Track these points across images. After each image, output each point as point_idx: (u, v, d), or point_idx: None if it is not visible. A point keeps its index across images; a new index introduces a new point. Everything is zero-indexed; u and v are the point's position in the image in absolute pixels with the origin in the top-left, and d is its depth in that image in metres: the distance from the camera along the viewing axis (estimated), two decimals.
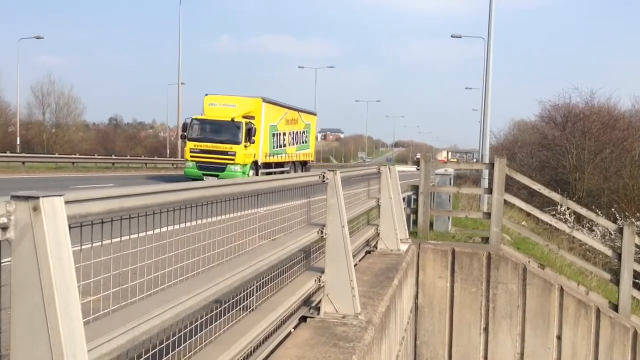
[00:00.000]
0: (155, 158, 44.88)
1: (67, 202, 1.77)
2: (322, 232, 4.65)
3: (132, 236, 2.50)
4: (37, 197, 1.62)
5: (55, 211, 1.67)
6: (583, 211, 10.79)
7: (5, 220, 1.60)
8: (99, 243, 2.24)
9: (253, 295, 3.64)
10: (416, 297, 9.17)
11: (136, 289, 2.49)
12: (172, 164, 42.03)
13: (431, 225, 10.32)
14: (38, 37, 45.12)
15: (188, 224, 2.99)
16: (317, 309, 4.52)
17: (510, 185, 15.03)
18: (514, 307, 9.14)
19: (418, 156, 11.56)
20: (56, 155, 35.70)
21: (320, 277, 4.53)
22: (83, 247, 2.11)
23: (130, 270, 2.48)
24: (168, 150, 54.70)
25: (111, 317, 2.16)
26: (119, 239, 2.34)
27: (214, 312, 3.19)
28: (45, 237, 1.60)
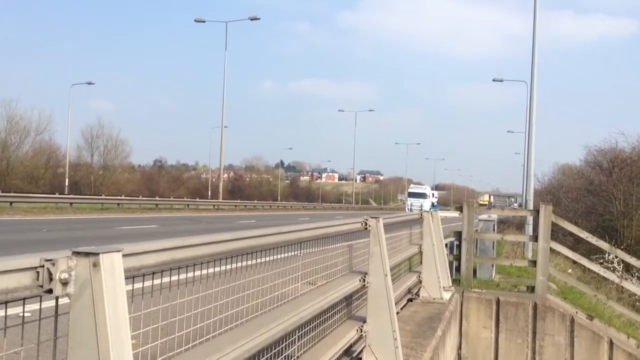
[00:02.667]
0: (197, 200, 45.67)
1: (124, 256, 1.83)
2: (364, 280, 4.62)
3: (180, 285, 2.55)
4: (97, 254, 1.69)
5: (113, 266, 1.73)
6: (632, 260, 10.40)
7: (66, 275, 1.66)
8: (149, 293, 2.30)
9: (294, 345, 3.63)
10: (459, 347, 8.91)
11: (182, 339, 2.53)
12: (214, 205, 42.64)
13: (474, 272, 10.11)
14: (89, 83, 47.21)
15: (233, 273, 3.03)
16: (359, 359, 4.46)
17: (556, 232, 14.61)
18: None
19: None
20: (102, 196, 36.77)
21: (362, 326, 4.48)
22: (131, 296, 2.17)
23: (178, 321, 2.52)
24: (210, 192, 55.62)
25: None
26: (167, 289, 2.40)
27: None
28: (103, 292, 1.65)
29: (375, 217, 4.76)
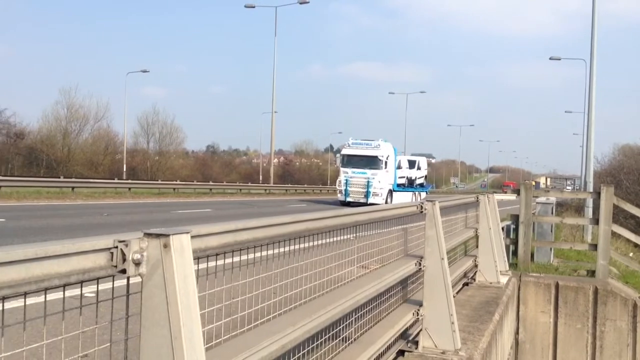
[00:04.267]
0: (249, 184, 46.34)
1: (191, 237, 1.88)
2: (420, 264, 4.59)
3: (241, 267, 2.61)
4: (168, 235, 1.74)
5: (182, 247, 1.78)
6: None
7: (138, 256, 1.72)
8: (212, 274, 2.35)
9: (352, 327, 3.65)
10: (517, 332, 8.76)
11: (244, 319, 2.58)
12: (265, 189, 43.17)
13: (532, 256, 9.87)
14: (144, 71, 48.39)
15: (291, 255, 3.07)
16: (415, 342, 4.45)
17: (617, 215, 14.08)
18: (624, 346, 8.50)
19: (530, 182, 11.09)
20: (159, 181, 37.82)
21: (418, 310, 4.46)
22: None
23: (240, 301, 2.57)
24: (261, 177, 56.35)
25: (224, 349, 2.25)
26: (230, 270, 2.45)
27: (315, 343, 3.23)
28: (174, 272, 1.70)
29: (431, 201, 4.71)
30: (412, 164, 36.77)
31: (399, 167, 32.66)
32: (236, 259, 2.54)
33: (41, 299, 1.56)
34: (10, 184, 23.81)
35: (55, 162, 48.63)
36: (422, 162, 39.69)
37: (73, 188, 26.29)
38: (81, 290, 1.73)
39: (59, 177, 30.01)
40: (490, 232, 7.50)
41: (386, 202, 28.06)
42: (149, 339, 1.68)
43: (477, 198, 7.71)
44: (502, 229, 9.20)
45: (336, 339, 3.43)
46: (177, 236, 1.79)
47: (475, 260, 7.55)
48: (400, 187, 32.68)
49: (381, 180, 29.42)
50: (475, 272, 7.58)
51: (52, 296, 1.59)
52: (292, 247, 3.06)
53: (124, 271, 1.72)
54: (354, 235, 3.95)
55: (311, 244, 3.28)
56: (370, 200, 28.37)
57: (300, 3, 37.85)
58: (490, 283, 7.47)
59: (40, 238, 10.09)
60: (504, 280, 7.67)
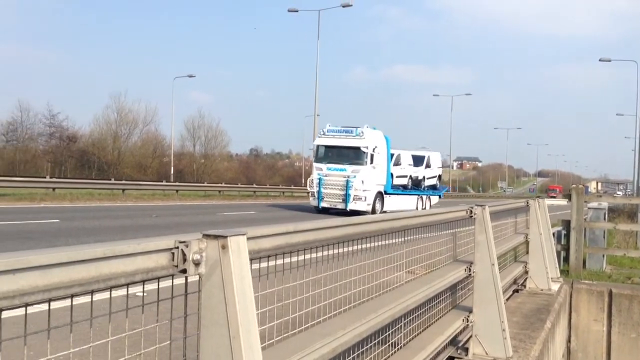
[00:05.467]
0: (292, 187, 46.63)
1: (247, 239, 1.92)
2: (469, 269, 4.53)
3: (292, 270, 2.63)
4: (226, 237, 1.78)
5: (239, 249, 1.81)
6: None
7: (198, 256, 1.76)
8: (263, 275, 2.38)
9: (400, 333, 3.63)
10: (568, 340, 8.51)
11: (296, 320, 2.61)
12: (308, 192, 43.35)
13: (583, 263, 9.58)
14: (190, 76, 49.40)
15: (340, 259, 3.08)
16: (465, 349, 4.38)
17: None
18: None
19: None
20: (205, 184, 38.51)
21: (468, 316, 4.40)
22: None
23: (291, 303, 2.60)
24: (303, 179, 56.63)
25: (277, 350, 2.28)
26: (281, 272, 2.48)
27: (364, 347, 3.22)
28: (232, 273, 1.74)
29: (481, 205, 4.64)
30: (418, 161, 27.68)
31: (397, 164, 25.07)
32: (287, 260, 2.57)
33: (95, 297, 1.62)
34: (64, 185, 24.68)
35: (106, 165, 50.14)
36: (434, 158, 29.97)
37: (123, 190, 27.05)
38: (143, 289, 1.79)
39: (110, 179, 30.95)
40: (540, 237, 7.32)
41: (374, 208, 22.25)
42: (208, 338, 1.71)
43: (527, 203, 7.54)
44: (553, 234, 8.97)
45: (385, 343, 3.41)
46: (234, 238, 1.82)
47: (525, 267, 7.39)
48: (398, 188, 24.98)
49: (365, 180, 21.73)
50: (526, 278, 7.42)
51: (98, 296, 1.60)
52: (341, 250, 3.08)
53: (184, 271, 1.77)
54: (402, 239, 3.94)
55: (360, 247, 3.29)
56: (351, 207, 21.44)
57: (343, 6, 37.90)
58: (541, 290, 7.29)
59: (94, 239, 10.42)
60: (555, 287, 7.47)
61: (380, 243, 3.61)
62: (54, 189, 23.32)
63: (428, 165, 28.57)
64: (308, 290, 2.74)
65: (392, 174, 24.32)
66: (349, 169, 22.03)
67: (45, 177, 26.11)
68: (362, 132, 22.28)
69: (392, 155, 24.63)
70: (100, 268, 1.53)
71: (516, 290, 7.16)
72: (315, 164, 23.19)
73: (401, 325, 3.62)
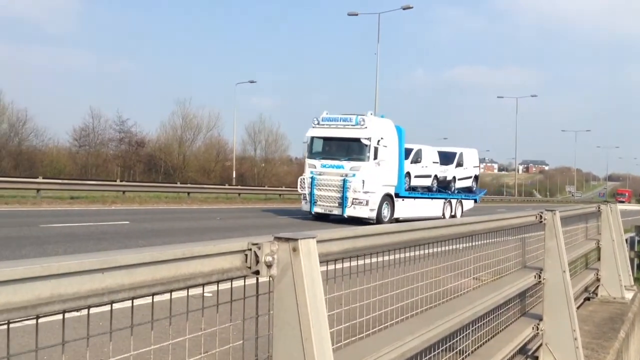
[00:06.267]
0: None
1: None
2: (539, 276, 4.39)
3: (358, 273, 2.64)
4: (296, 239, 1.81)
5: (309, 251, 1.84)
6: None
7: (270, 258, 1.80)
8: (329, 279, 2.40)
9: (468, 340, 3.56)
10: None
11: (363, 324, 2.61)
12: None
13: None
14: (251, 82, 50.25)
15: (407, 264, 3.06)
16: (535, 358, 4.26)
17: None
18: None
19: None
20: (266, 187, 39.08)
21: (537, 324, 4.27)
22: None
23: (359, 307, 2.60)
24: None
25: (346, 353, 2.29)
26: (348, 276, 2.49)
27: (431, 354, 3.19)
28: (303, 275, 1.76)
29: (551, 210, 4.50)
30: (447, 158, 23.20)
31: (416, 161, 20.50)
32: (353, 263, 2.58)
33: (157, 299, 1.68)
34: (133, 188, 25.66)
35: (172, 169, 51.77)
36: (469, 156, 25.19)
37: (189, 193, 27.84)
38: (217, 289, 1.84)
39: (176, 183, 31.92)
40: (613, 244, 7.02)
41: (380, 215, 17.91)
42: (281, 339, 1.75)
43: (599, 208, 7.24)
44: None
45: (452, 351, 3.36)
46: (305, 240, 1.85)
47: (597, 274, 7.09)
48: (416, 190, 20.54)
49: (367, 179, 17.44)
50: (597, 286, 7.12)
51: (159, 297, 1.64)
52: (408, 254, 3.06)
53: (257, 272, 1.81)
54: (466, 244, 3.87)
55: (425, 252, 3.26)
56: (349, 212, 17.49)
57: (404, 9, 37.60)
58: (614, 298, 6.97)
59: (162, 240, 10.78)
60: (629, 295, 7.13)
61: (444, 248, 3.56)
62: (123, 192, 24.29)
63: (460, 164, 23.90)
64: (375, 295, 2.74)
65: (408, 173, 19.72)
66: (347, 165, 17.65)
67: (115, 181, 27.25)
68: (363, 121, 17.77)
69: (409, 150, 20.17)
70: (180, 268, 1.59)
71: (587, 299, 6.89)
72: (307, 160, 18.83)
73: (469, 332, 3.56)
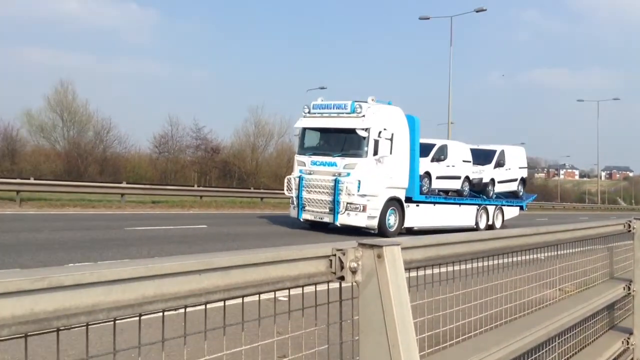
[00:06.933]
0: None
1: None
2: (629, 288, 4.17)
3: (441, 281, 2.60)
4: (381, 246, 1.81)
5: (394, 258, 1.84)
6: None
7: (355, 264, 1.81)
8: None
9: (554, 352, 3.43)
10: None
11: (446, 333, 2.57)
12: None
13: None
14: (322, 88, 50.63)
15: (490, 273, 2.99)
16: None
17: None
18: None
19: None
20: None
21: (627, 338, 4.05)
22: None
23: (442, 316, 2.57)
24: None
25: None
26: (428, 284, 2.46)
27: None
28: (388, 282, 1.76)
29: None
30: (483, 157, 19.44)
31: (438, 159, 16.92)
32: (436, 271, 2.55)
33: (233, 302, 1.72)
34: (209, 194, 26.46)
35: (245, 175, 53.01)
36: (513, 154, 21.25)
37: (262, 198, 28.40)
38: (302, 293, 1.87)
39: (250, 189, 32.62)
40: None
41: (383, 223, 14.76)
42: (367, 345, 1.75)
43: None
44: None
45: None
46: (389, 247, 1.85)
47: None
48: (437, 194, 17.12)
49: (364, 180, 14.21)
50: None
51: (232, 302, 1.66)
52: (487, 263, 2.99)
53: (342, 278, 1.83)
54: (548, 254, 3.73)
55: (506, 260, 3.17)
56: (342, 220, 14.41)
57: (477, 11, 36.78)
58: None
59: (239, 244, 11.06)
60: None
61: (524, 258, 3.45)
62: (201, 197, 25.10)
63: (500, 164, 19.99)
64: (459, 304, 2.69)
65: (428, 174, 16.37)
66: (340, 162, 14.40)
67: (193, 186, 28.20)
68: (361, 107, 14.41)
69: (430, 146, 16.94)
70: (269, 271, 1.63)
71: None
72: (297, 157, 15.74)
73: (554, 345, 3.42)
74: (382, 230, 14.63)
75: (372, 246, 1.84)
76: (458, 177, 17.77)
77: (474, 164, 18.56)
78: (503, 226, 20.06)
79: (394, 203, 15.09)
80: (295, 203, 15.19)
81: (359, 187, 14.10)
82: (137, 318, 1.39)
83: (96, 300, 1.20)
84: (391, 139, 14.84)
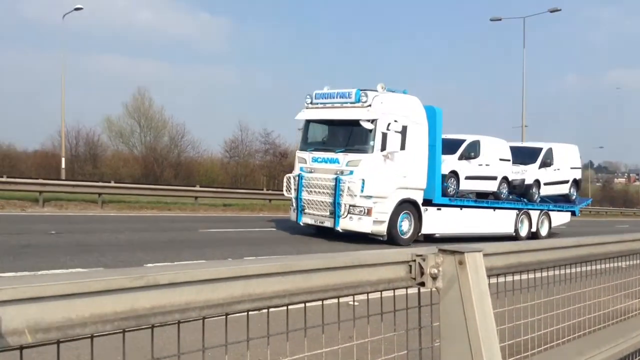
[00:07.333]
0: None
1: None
2: None
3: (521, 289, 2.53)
4: (463, 252, 1.79)
5: (476, 265, 1.80)
6: None
7: (435, 270, 1.80)
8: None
9: None
10: None
11: (528, 343, 2.50)
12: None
13: None
14: (390, 91, 50.36)
15: (573, 281, 2.88)
16: None
17: None
18: None
19: None
20: None
21: None
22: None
23: (522, 325, 2.50)
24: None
25: None
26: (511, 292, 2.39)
27: None
28: (470, 289, 1.74)
29: None
30: (526, 155, 17.35)
31: (467, 156, 14.86)
32: (516, 278, 2.48)
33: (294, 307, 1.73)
34: (278, 197, 26.82)
35: None
36: (563, 153, 18.42)
37: None
38: (381, 298, 1.87)
39: None
40: None
41: (394, 229, 12.86)
42: (449, 352, 1.73)
43: None
44: None
45: None
46: (471, 254, 1.82)
47: None
48: (465, 197, 15.14)
49: (369, 178, 12.38)
50: None
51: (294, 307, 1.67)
52: (574, 270, 2.88)
53: (422, 284, 1.82)
54: (635, 262, 3.54)
55: (585, 269, 3.04)
56: (343, 225, 12.67)
57: (551, 11, 35.46)
58: None
59: (308, 248, 11.15)
60: None
61: (604, 266, 3.30)
62: (270, 200, 25.52)
63: (546, 164, 17.43)
64: (540, 313, 2.61)
65: (454, 173, 14.42)
66: (343, 159, 12.61)
67: (262, 190, 28.73)
68: (366, 96, 12.56)
69: (459, 142, 15.06)
70: (349, 276, 1.65)
71: None
72: (298, 153, 13.94)
73: None
74: (392, 237, 12.70)
75: (453, 252, 1.82)
76: (493, 178, 15.57)
77: (515, 163, 16.37)
78: (551, 234, 17.38)
79: (408, 206, 13.23)
80: (294, 205, 13.46)
81: (362, 187, 12.23)
82: (223, 317, 1.44)
83: (189, 299, 1.26)
84: (403, 132, 12.79)
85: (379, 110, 12.42)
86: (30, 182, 17.77)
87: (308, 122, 13.78)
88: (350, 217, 12.47)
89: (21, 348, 1.11)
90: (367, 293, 1.78)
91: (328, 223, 12.85)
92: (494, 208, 15.65)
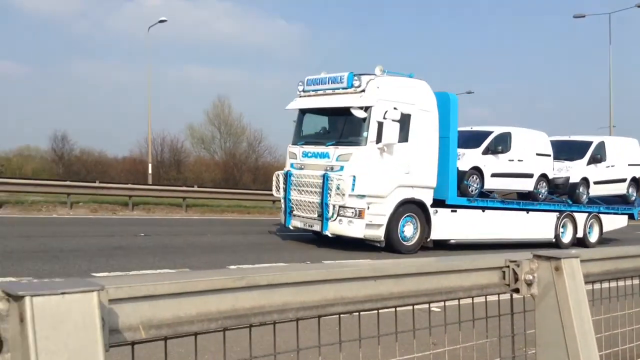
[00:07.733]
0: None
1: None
2: None
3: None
4: (559, 258, 1.73)
5: (573, 271, 1.74)
6: None
7: (530, 277, 1.75)
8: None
9: None
10: None
11: (626, 354, 2.37)
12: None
13: None
14: (469, 92, 49.11)
15: None
16: None
17: None
18: None
19: None
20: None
21: None
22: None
23: (620, 334, 2.37)
24: None
25: None
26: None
27: None
28: (567, 295, 1.68)
29: None
30: (572, 150, 15.00)
31: (494, 151, 12.77)
32: (612, 285, 2.36)
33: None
34: None
35: None
36: (618, 148, 15.73)
37: None
38: (472, 304, 1.84)
39: None
40: None
41: (392, 232, 11.00)
42: (545, 359, 1.68)
43: None
44: None
45: None
46: (568, 260, 1.76)
47: None
48: (488, 197, 12.87)
49: (361, 175, 10.70)
50: None
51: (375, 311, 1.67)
52: None
53: (516, 290, 1.77)
54: None
55: None
56: (333, 229, 10.90)
57: (639, 7, 33.41)
58: None
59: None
60: None
61: None
62: None
63: (597, 159, 14.83)
64: (638, 322, 2.48)
65: (477, 170, 12.39)
66: (333, 153, 10.98)
67: None
68: (359, 80, 10.88)
69: (484, 134, 13.06)
70: (442, 281, 1.63)
71: None
72: (289, 148, 12.25)
73: None
74: (392, 244, 11.02)
75: (549, 258, 1.77)
76: (529, 175, 13.38)
77: (559, 159, 14.24)
78: (602, 240, 15.20)
79: (413, 207, 11.31)
80: (283, 206, 11.94)
81: (353, 185, 10.52)
82: (316, 319, 1.47)
83: (286, 300, 1.29)
84: (406, 122, 10.97)
85: (374, 96, 10.67)
86: (121, 187, 18.76)
87: (302, 112, 12.21)
88: (340, 220, 10.75)
89: (133, 343, 1.18)
90: (459, 299, 1.75)
91: (317, 226, 11.20)
92: (527, 210, 13.44)
